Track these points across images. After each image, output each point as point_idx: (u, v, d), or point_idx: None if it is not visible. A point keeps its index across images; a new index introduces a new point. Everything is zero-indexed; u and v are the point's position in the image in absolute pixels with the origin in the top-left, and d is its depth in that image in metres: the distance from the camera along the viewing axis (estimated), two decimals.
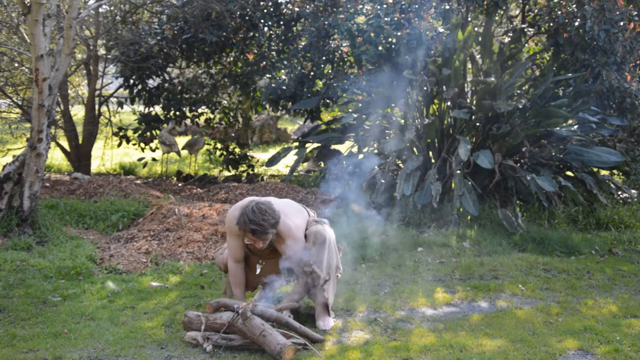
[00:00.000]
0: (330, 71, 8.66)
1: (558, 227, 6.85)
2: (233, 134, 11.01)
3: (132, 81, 9.35)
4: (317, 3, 8.62)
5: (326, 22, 8.16)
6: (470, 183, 6.90)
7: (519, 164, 7.43)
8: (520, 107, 7.27)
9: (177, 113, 9.70)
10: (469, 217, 6.81)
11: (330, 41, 8.41)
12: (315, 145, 8.81)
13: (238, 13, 8.68)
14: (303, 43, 8.88)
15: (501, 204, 7.13)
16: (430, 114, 7.86)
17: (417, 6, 7.56)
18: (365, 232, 6.32)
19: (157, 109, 9.91)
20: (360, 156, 7.88)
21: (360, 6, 8.19)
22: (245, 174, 10.33)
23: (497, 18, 8.65)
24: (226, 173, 10.61)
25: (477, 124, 7.76)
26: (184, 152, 11.20)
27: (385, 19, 7.52)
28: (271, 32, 9.33)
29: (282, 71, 9.01)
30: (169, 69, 9.99)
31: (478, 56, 9.00)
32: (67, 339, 3.89)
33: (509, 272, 5.50)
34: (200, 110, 10.23)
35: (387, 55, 7.52)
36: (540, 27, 8.10)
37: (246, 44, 9.26)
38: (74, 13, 5.81)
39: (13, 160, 6.01)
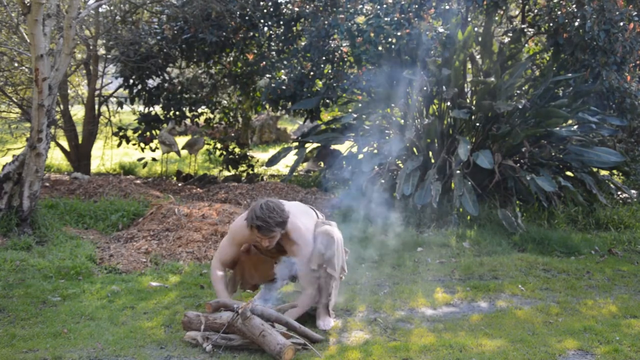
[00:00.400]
0: (330, 71, 8.65)
1: (558, 227, 6.85)
2: (233, 134, 11.01)
3: (132, 81, 9.35)
4: (317, 3, 8.62)
5: (326, 22, 8.15)
6: (470, 183, 6.90)
7: (518, 164, 7.43)
8: (520, 107, 7.27)
9: (177, 113, 9.70)
10: (468, 217, 6.81)
11: (330, 41, 8.41)
12: (315, 145, 8.81)
13: (238, 13, 8.67)
14: (303, 43, 8.88)
15: (501, 204, 7.13)
16: (430, 114, 7.86)
17: (417, 6, 7.57)
18: (365, 232, 6.32)
19: (157, 109, 9.91)
20: (360, 156, 7.88)
21: (360, 6, 8.19)
22: (245, 174, 10.33)
23: (497, 18, 8.66)
24: (226, 173, 10.61)
25: (477, 124, 7.76)
26: (184, 152, 11.20)
27: (385, 19, 7.52)
28: (271, 32, 9.33)
29: (282, 71, 9.01)
30: (168, 69, 9.98)
31: (478, 56, 9.00)
32: (66, 339, 3.89)
33: (509, 272, 5.50)
34: (200, 110, 10.22)
35: (387, 55, 7.52)
36: (540, 27, 8.10)
37: (246, 44, 9.26)
38: (73, 13, 5.81)
39: (13, 160, 6.00)
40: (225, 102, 11.07)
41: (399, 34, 7.32)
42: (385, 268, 5.61)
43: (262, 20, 8.95)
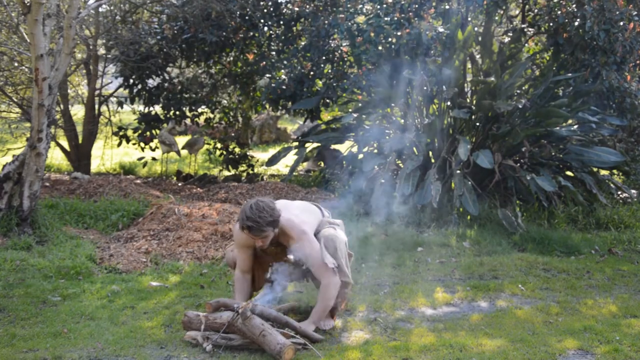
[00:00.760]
0: (330, 71, 8.66)
1: (558, 227, 6.85)
2: (233, 134, 11.00)
3: (132, 81, 9.35)
4: (317, 3, 8.62)
5: (326, 22, 8.16)
6: (470, 183, 6.90)
7: (518, 164, 7.43)
8: (520, 107, 7.28)
9: (177, 113, 9.70)
10: (468, 217, 6.81)
11: (330, 41, 8.41)
12: (315, 145, 8.81)
13: (238, 13, 8.67)
14: (303, 43, 8.88)
15: (501, 204, 7.13)
16: (430, 113, 7.86)
17: (417, 6, 7.57)
18: (365, 231, 6.32)
19: (157, 109, 9.91)
20: (360, 156, 7.88)
21: (360, 6, 8.19)
22: (245, 174, 10.33)
23: (497, 18, 8.66)
24: (226, 173, 10.61)
25: (477, 124, 7.76)
26: (184, 152, 11.20)
27: (385, 18, 7.52)
28: (271, 32, 9.33)
29: (282, 71, 9.01)
30: (168, 69, 9.98)
31: (478, 56, 9.00)
32: (66, 339, 3.89)
33: (509, 272, 5.50)
34: (200, 110, 10.22)
35: (387, 55, 7.52)
36: (540, 27, 8.10)
37: (246, 43, 9.26)
38: (73, 13, 5.81)
39: (13, 160, 6.00)
40: (225, 102, 11.07)
41: (399, 33, 7.32)
42: (385, 268, 5.61)
43: (262, 20, 8.94)
